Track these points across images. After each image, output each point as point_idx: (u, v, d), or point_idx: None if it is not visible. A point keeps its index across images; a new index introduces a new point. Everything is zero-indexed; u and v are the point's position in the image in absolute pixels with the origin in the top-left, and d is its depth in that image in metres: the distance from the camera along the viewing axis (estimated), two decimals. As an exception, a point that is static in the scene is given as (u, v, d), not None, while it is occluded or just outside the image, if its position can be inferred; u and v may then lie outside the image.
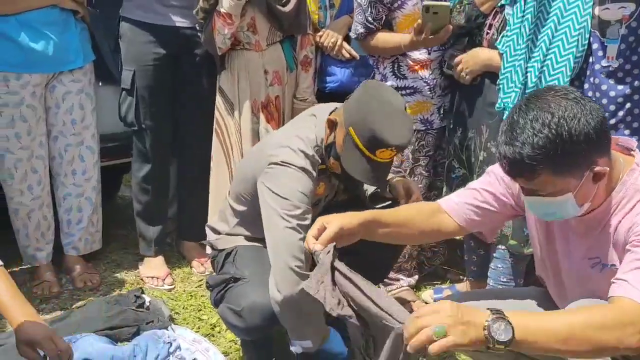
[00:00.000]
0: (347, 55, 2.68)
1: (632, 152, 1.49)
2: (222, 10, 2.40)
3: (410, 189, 2.10)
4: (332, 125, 1.91)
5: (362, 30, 2.46)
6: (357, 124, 1.82)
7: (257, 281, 1.94)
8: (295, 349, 1.97)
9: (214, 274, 2.18)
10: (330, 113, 2.01)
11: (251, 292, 1.92)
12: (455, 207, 1.68)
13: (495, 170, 1.66)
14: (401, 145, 1.84)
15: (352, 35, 2.55)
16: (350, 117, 1.84)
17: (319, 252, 1.53)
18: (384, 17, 2.44)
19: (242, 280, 1.97)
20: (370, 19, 2.43)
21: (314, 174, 1.93)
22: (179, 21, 2.56)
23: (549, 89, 1.42)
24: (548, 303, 1.70)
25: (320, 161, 1.96)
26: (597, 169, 1.37)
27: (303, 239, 1.79)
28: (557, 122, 1.33)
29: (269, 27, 2.54)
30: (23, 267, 2.74)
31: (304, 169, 1.89)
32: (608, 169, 1.39)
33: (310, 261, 1.71)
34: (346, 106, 1.89)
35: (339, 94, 2.69)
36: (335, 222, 1.55)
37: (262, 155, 1.98)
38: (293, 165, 1.89)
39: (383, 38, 2.45)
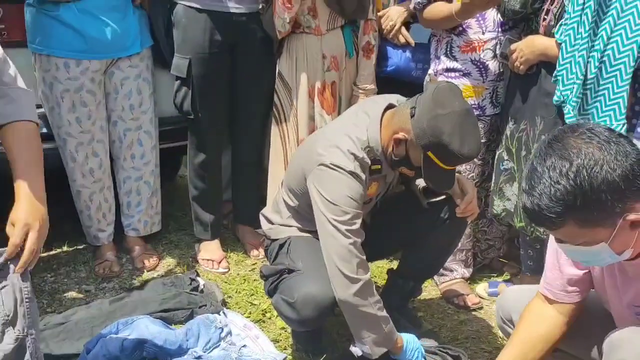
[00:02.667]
0: (403, 41, 2.58)
1: None
2: None
3: (465, 188, 2.03)
4: (399, 142, 1.90)
5: (420, 0, 2.37)
6: (435, 148, 1.82)
7: (310, 273, 1.95)
8: (354, 350, 1.98)
9: (267, 263, 2.20)
10: (384, 111, 1.97)
11: (305, 284, 1.94)
12: (559, 293, 1.59)
13: None
14: (476, 154, 1.91)
15: (411, 6, 2.46)
16: (426, 139, 1.83)
17: None
18: None
19: (296, 272, 1.99)
20: None
21: (363, 176, 1.91)
22: (235, 7, 2.51)
23: (572, 129, 1.29)
24: None
25: (370, 163, 1.93)
26: (631, 217, 1.23)
27: (353, 244, 1.87)
28: (576, 171, 1.22)
29: (329, 11, 2.48)
30: (87, 244, 2.84)
31: (353, 173, 1.88)
32: None
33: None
34: (417, 124, 1.84)
35: (395, 79, 2.61)
36: None
37: (313, 152, 1.97)
38: (342, 169, 1.88)
39: (437, 7, 2.34)
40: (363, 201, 1.95)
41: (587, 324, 1.61)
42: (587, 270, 1.55)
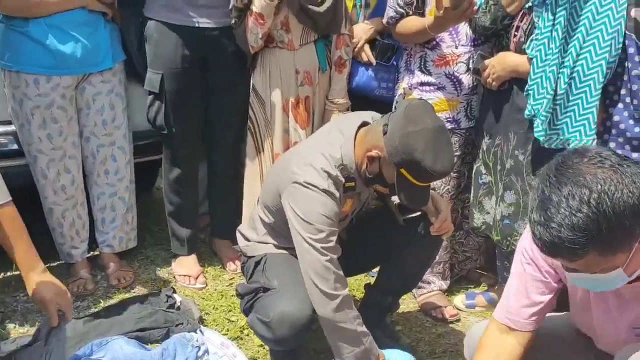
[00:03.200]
0: (365, 59, 2.57)
1: None
2: (254, 10, 2.36)
3: (439, 206, 2.04)
4: (372, 160, 1.89)
5: (392, 14, 2.39)
6: (408, 165, 1.82)
7: (286, 292, 1.95)
8: None
9: (245, 278, 2.19)
10: (359, 128, 1.97)
11: (280, 303, 1.93)
12: (522, 321, 1.55)
13: (527, 251, 1.51)
14: (449, 171, 1.92)
15: (384, 21, 2.46)
16: (399, 156, 1.83)
17: None
18: (415, 2, 2.34)
19: (272, 290, 1.98)
20: (400, 3, 2.35)
21: (337, 194, 1.91)
22: (207, 22, 2.50)
23: (580, 154, 1.23)
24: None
25: (343, 180, 1.93)
26: None
27: (329, 260, 1.88)
28: (598, 197, 1.15)
29: (302, 26, 2.48)
30: (60, 262, 2.79)
31: (326, 191, 1.89)
32: None
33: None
34: (390, 141, 1.84)
35: (354, 95, 2.61)
36: None
37: (287, 170, 1.97)
38: (316, 187, 1.88)
39: (409, 22, 2.35)
40: (338, 218, 1.95)
41: (561, 349, 1.61)
42: (552, 295, 1.53)
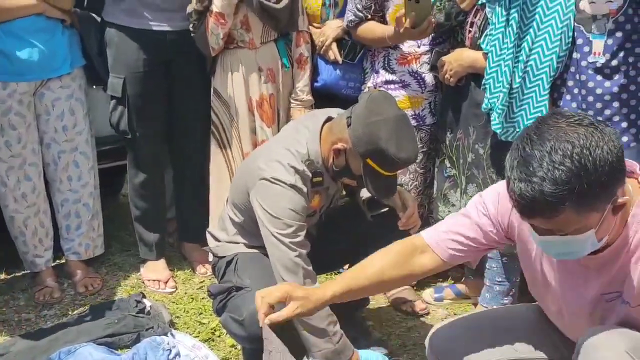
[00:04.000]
0: (332, 58, 2.59)
1: (634, 175, 1.36)
2: (214, 9, 2.35)
3: (406, 201, 2.06)
4: (338, 152, 1.91)
5: (352, 17, 2.42)
6: (374, 154, 1.85)
7: (258, 289, 1.93)
8: None
9: (215, 280, 2.18)
10: (324, 123, 1.99)
11: (252, 301, 1.90)
12: (441, 244, 1.56)
13: (487, 204, 1.53)
14: (414, 158, 1.96)
15: (344, 23, 2.48)
16: (363, 146, 1.85)
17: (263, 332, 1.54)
18: (373, 6, 2.38)
19: (244, 289, 1.99)
20: (359, 7, 2.39)
21: (305, 189, 1.93)
22: (167, 25, 2.49)
23: (558, 115, 1.26)
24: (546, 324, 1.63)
25: (311, 175, 1.94)
26: (619, 200, 1.25)
27: (298, 256, 1.90)
28: (580, 152, 1.18)
29: (262, 25, 2.48)
30: (25, 271, 2.74)
31: (293, 186, 1.90)
32: (628, 198, 1.27)
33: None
34: (354, 132, 1.87)
35: (322, 94, 2.63)
36: (296, 305, 1.52)
37: (254, 167, 1.98)
38: (283, 182, 1.89)
39: (369, 27, 2.40)
40: (306, 213, 1.97)
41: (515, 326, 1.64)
42: (486, 243, 1.52)
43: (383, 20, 2.43)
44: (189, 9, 2.42)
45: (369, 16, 2.39)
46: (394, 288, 2.39)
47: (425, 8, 2.11)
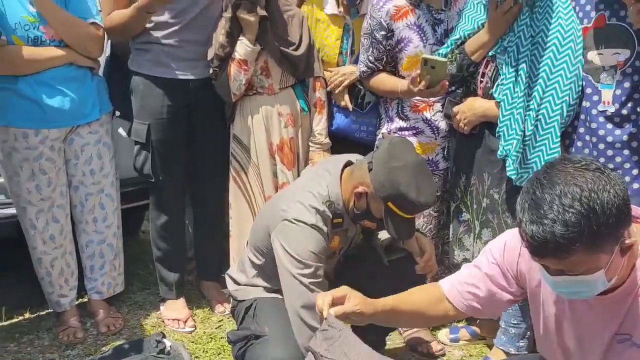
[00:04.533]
0: (342, 104, 2.68)
1: (639, 220, 1.43)
2: (237, 56, 2.46)
3: (423, 246, 2.12)
4: (360, 196, 1.99)
5: (364, 68, 2.51)
6: (394, 199, 1.93)
7: (277, 338, 1.99)
8: None
9: (233, 320, 2.22)
10: (344, 167, 2.07)
11: (272, 351, 1.98)
12: (458, 296, 1.66)
13: (495, 254, 1.61)
14: (432, 202, 2.03)
15: (357, 73, 2.57)
16: (385, 191, 1.94)
17: (328, 320, 1.55)
18: (384, 59, 2.47)
19: (263, 337, 2.02)
20: (371, 58, 2.48)
21: (325, 229, 1.99)
22: (190, 74, 2.60)
23: (566, 160, 1.34)
24: None
25: (331, 216, 2.01)
26: (626, 241, 1.31)
27: (316, 296, 1.88)
28: (588, 195, 1.25)
29: (281, 71, 2.58)
30: (49, 310, 2.81)
31: (314, 226, 1.97)
32: (635, 239, 1.33)
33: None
34: (375, 177, 1.95)
35: (336, 138, 2.73)
36: (357, 302, 1.59)
37: (276, 209, 2.05)
38: (304, 222, 1.96)
39: (381, 79, 2.49)
40: (326, 254, 2.02)
41: None
42: (504, 295, 1.61)
43: (395, 71, 2.51)
44: (210, 54, 2.52)
45: (381, 67, 2.48)
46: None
47: (441, 73, 2.18)
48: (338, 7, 2.67)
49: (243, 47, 2.46)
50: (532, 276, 1.55)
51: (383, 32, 2.41)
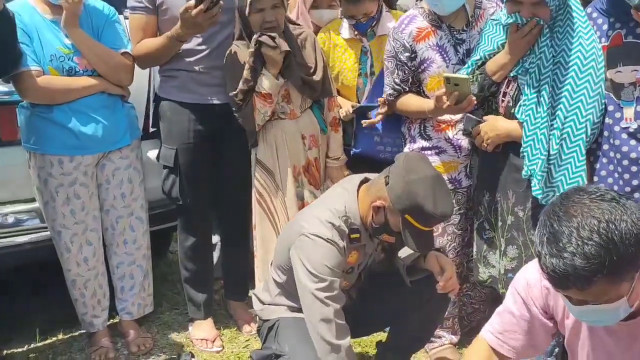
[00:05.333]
0: (344, 113, 2.72)
1: None
2: (262, 91, 2.50)
3: (444, 265, 2.15)
4: (377, 209, 2.04)
5: (390, 91, 2.55)
6: (412, 211, 1.98)
7: (297, 357, 2.02)
8: None
9: (259, 340, 2.26)
10: (360, 184, 2.12)
11: None
12: (505, 346, 1.68)
13: (520, 292, 1.64)
14: (450, 213, 2.07)
15: (384, 96, 2.61)
16: (402, 203, 1.99)
17: None
18: (410, 79, 2.51)
19: (283, 357, 2.06)
20: (397, 80, 2.52)
21: (342, 244, 2.05)
22: (215, 99, 2.67)
23: (581, 191, 1.36)
24: None
25: (347, 230, 2.06)
26: None
27: (332, 310, 1.99)
28: (606, 226, 1.27)
29: (300, 95, 2.64)
30: (82, 331, 2.88)
31: (330, 240, 2.03)
32: None
33: None
34: (392, 190, 2.00)
35: (361, 160, 2.78)
36: None
37: (295, 226, 2.14)
38: (320, 237, 2.03)
39: (408, 101, 2.53)
40: (343, 268, 2.07)
41: None
42: (539, 334, 1.64)
43: (420, 91, 2.55)
44: (237, 89, 2.51)
45: (407, 89, 2.52)
46: None
47: (465, 89, 2.21)
48: (354, 31, 2.73)
49: (268, 81, 2.49)
50: (558, 305, 1.57)
51: (407, 54, 2.46)
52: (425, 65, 2.47)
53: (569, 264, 1.27)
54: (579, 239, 1.27)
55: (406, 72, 2.50)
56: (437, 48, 2.44)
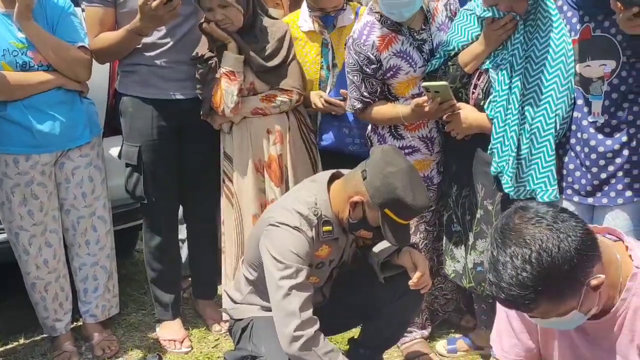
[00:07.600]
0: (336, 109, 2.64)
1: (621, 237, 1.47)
2: (224, 70, 2.46)
3: (417, 262, 2.13)
4: (355, 205, 2.01)
5: (359, 105, 2.47)
6: (392, 204, 1.96)
7: (273, 358, 1.97)
8: None
9: (230, 338, 2.21)
10: (330, 178, 2.11)
11: None
12: (514, 358, 1.69)
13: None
14: (427, 205, 2.08)
15: (349, 109, 2.56)
16: (381, 196, 1.96)
17: None
18: (378, 90, 2.45)
19: (259, 358, 2.03)
20: (365, 93, 2.44)
21: (310, 233, 2.02)
22: (179, 94, 2.60)
23: (520, 216, 1.38)
24: None
25: (316, 221, 2.04)
26: (593, 282, 1.35)
27: (297, 299, 1.94)
28: (538, 255, 1.31)
29: (268, 88, 2.58)
30: (44, 335, 2.78)
31: (297, 229, 2.01)
32: (604, 276, 1.36)
33: None
34: (371, 185, 1.97)
35: (330, 153, 2.75)
36: None
37: (264, 219, 2.11)
38: (287, 225, 2.00)
39: (379, 110, 2.46)
40: (310, 258, 2.04)
41: None
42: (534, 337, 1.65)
43: (389, 94, 2.47)
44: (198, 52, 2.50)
45: (376, 99, 2.45)
46: None
47: (446, 96, 2.19)
48: (313, 23, 2.68)
49: (227, 58, 2.46)
50: None
51: (373, 66, 2.38)
52: (391, 72, 2.40)
53: (507, 293, 1.33)
54: (513, 269, 1.32)
55: (374, 84, 2.42)
56: (401, 54, 2.37)
